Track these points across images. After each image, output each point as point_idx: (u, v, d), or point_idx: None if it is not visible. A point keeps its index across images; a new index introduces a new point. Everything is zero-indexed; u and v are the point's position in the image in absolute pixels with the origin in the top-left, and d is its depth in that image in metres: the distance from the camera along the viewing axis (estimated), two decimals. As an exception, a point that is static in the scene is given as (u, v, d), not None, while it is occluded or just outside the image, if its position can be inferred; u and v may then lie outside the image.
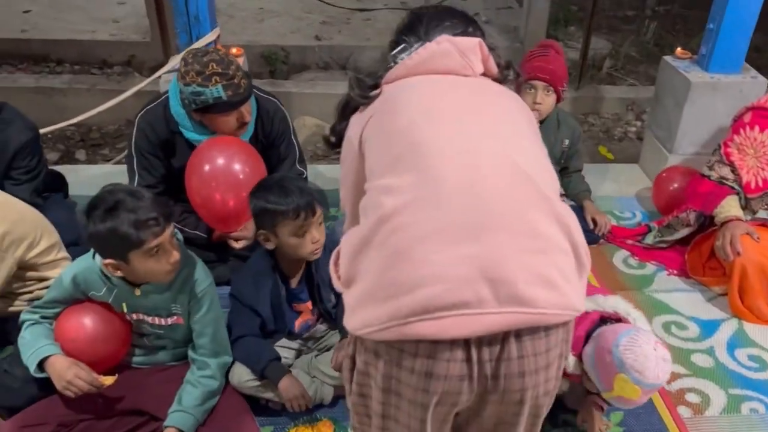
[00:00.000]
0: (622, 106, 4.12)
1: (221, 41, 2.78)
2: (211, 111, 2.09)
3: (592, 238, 2.53)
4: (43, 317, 1.80)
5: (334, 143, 1.31)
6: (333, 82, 4.26)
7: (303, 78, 4.49)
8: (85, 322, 1.76)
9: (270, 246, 1.83)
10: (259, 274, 1.89)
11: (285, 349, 1.95)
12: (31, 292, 1.97)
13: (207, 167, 2.08)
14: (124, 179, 2.90)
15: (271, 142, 2.34)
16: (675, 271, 2.50)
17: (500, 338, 1.02)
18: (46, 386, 1.75)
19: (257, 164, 2.16)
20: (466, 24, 1.30)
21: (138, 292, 1.74)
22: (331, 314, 1.97)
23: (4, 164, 2.22)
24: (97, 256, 1.72)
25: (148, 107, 2.24)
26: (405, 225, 1.02)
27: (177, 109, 2.16)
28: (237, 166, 2.09)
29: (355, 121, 1.22)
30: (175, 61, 2.69)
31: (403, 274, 1.00)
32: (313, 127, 3.90)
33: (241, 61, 2.55)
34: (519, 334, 1.02)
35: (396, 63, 1.22)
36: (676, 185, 2.64)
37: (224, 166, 2.09)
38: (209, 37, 2.60)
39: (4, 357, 2.04)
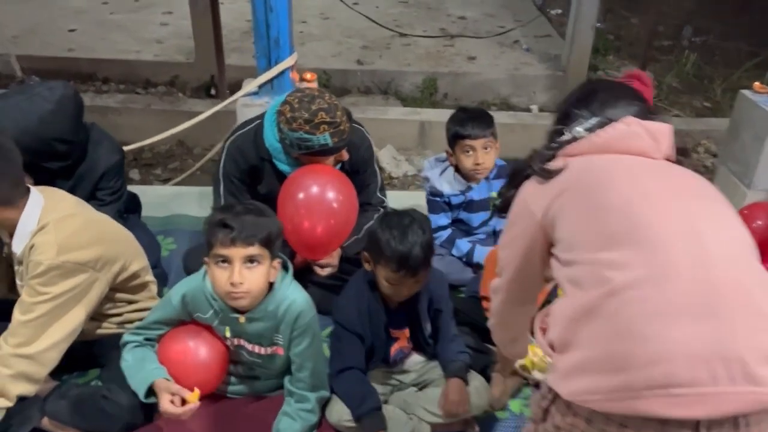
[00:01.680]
0: (675, 138, 4.09)
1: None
2: (313, 154, 2.07)
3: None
4: (146, 339, 1.77)
5: (501, 207, 1.35)
6: (381, 107, 4.25)
7: (345, 102, 4.48)
8: (191, 345, 1.73)
9: (368, 267, 1.81)
10: (360, 296, 1.85)
11: (381, 385, 1.90)
12: (120, 314, 1.92)
13: (301, 195, 2.05)
14: (191, 199, 2.90)
15: (356, 169, 2.31)
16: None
17: (730, 421, 0.99)
18: (149, 412, 1.73)
19: (350, 193, 2.12)
20: (641, 104, 1.30)
21: (242, 319, 1.70)
22: (428, 344, 1.93)
23: (92, 184, 2.19)
24: (207, 278, 1.68)
25: (239, 133, 2.21)
26: (638, 300, 1.02)
27: (272, 143, 2.12)
28: (330, 195, 2.06)
29: (537, 193, 1.23)
30: (250, 86, 2.67)
31: (638, 348, 0.99)
32: (364, 151, 3.88)
33: (314, 86, 2.52)
34: (746, 416, 0.99)
35: (574, 136, 1.24)
36: (759, 222, 2.59)
37: (318, 195, 2.05)
38: (288, 62, 2.58)
39: (90, 380, 2.01)
